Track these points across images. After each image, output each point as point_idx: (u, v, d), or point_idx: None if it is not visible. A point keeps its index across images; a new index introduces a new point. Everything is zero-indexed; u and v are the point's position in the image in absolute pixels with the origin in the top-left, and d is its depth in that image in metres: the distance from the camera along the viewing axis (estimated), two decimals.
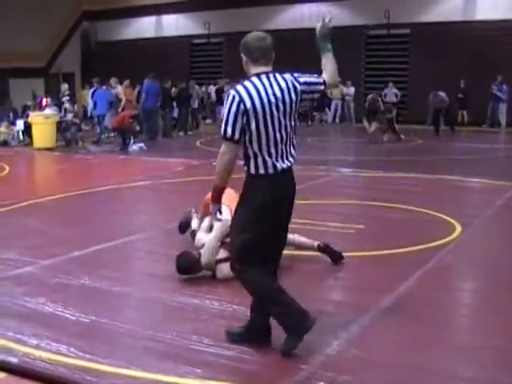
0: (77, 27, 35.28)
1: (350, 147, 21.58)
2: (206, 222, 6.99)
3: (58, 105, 23.29)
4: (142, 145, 19.93)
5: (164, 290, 6.16)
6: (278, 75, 4.75)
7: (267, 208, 4.68)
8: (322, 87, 4.94)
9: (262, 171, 4.70)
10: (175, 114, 25.01)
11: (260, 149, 4.65)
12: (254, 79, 4.68)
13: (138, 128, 20.39)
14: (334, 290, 6.70)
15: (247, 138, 4.66)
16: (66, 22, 34.23)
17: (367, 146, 20.85)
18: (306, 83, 4.84)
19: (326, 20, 5.07)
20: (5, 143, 21.40)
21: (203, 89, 27.93)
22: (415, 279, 6.67)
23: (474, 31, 25.65)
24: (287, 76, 4.80)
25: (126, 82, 22.22)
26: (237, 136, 4.64)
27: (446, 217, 9.38)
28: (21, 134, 22.01)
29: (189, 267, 6.51)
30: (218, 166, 4.79)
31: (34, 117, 20.83)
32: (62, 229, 8.24)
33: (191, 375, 4.46)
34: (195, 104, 26.12)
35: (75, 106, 23.15)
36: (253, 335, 4.95)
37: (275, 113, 4.63)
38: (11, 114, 22.78)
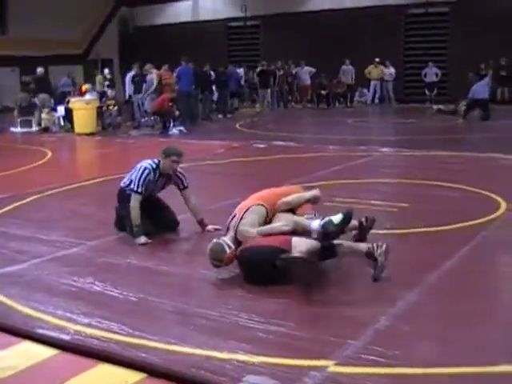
0: (114, 13, 35.38)
1: (390, 127, 21.44)
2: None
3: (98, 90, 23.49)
4: (182, 128, 20.01)
5: (210, 268, 6.18)
6: None
7: None
8: None
9: None
10: (215, 97, 25.08)
11: None
12: None
13: (177, 112, 20.45)
14: None
15: None
16: (104, 8, 34.36)
17: (408, 126, 20.71)
18: None
19: None
20: (46, 129, 21.59)
21: (241, 70, 27.81)
22: (461, 256, 6.63)
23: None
24: None
25: (165, 66, 22.28)
26: None
27: (490, 194, 9.28)
28: (62, 119, 22.24)
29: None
30: None
31: (75, 102, 20.99)
32: (106, 211, 8.29)
33: (242, 351, 4.49)
34: (234, 87, 26.10)
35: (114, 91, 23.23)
36: None
37: None
38: (52, 101, 22.94)
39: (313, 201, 6.53)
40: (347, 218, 6.09)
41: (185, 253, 7.36)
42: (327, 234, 5.99)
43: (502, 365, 4.29)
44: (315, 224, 6.08)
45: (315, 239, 5.99)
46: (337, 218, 6.02)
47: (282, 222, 6.20)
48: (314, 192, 6.56)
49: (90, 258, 6.91)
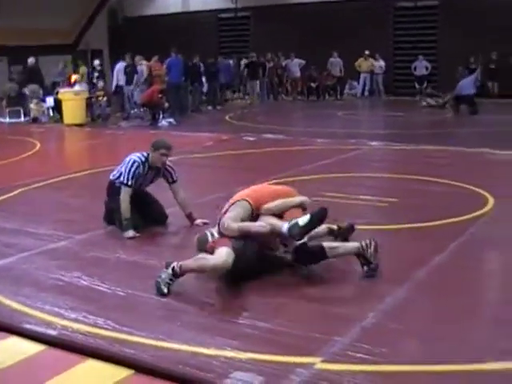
0: (104, 3, 35.12)
1: (379, 120, 21.44)
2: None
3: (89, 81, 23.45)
4: (171, 120, 19.97)
5: None
6: None
7: None
8: None
9: None
10: (204, 89, 25.02)
11: None
12: None
13: (166, 103, 20.41)
14: None
15: None
16: None
17: (398, 119, 20.71)
18: None
19: None
20: (35, 120, 21.50)
21: (231, 62, 27.71)
22: (449, 252, 6.63)
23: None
24: None
25: (155, 58, 22.19)
26: None
27: (478, 189, 9.29)
28: (51, 110, 22.15)
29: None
30: None
31: (64, 93, 20.90)
32: (95, 204, 8.27)
33: (229, 347, 4.49)
34: (224, 79, 26.02)
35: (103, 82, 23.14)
36: None
37: None
38: (41, 91, 22.82)
39: (302, 207, 6.31)
40: (315, 219, 5.81)
41: (173, 247, 7.34)
42: (293, 237, 5.81)
43: (489, 362, 4.29)
44: (284, 227, 5.82)
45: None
46: (304, 220, 5.75)
47: (261, 222, 6.02)
48: (302, 198, 6.37)
49: (78, 251, 6.90)
